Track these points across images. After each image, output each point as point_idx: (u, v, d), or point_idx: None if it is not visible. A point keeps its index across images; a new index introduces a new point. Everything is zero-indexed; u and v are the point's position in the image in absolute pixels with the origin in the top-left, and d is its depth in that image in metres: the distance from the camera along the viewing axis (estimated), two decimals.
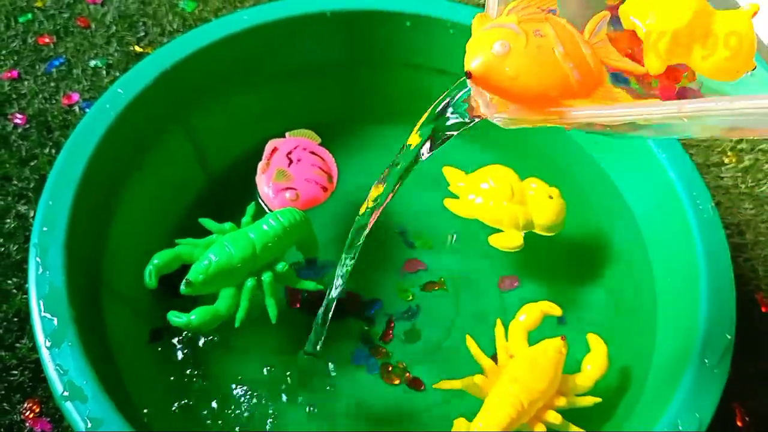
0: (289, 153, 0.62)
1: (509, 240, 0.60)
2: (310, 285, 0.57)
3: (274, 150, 0.63)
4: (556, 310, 0.58)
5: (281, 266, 0.56)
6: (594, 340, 0.56)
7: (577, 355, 0.56)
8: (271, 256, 0.56)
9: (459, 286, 0.66)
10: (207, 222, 0.58)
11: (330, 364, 0.60)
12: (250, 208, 0.60)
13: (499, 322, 0.58)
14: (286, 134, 0.65)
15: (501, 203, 0.60)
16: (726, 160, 0.85)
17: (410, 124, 0.74)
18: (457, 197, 0.63)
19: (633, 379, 0.57)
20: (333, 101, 0.75)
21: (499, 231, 0.61)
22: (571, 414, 0.54)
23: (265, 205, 0.60)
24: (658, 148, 0.61)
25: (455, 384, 0.54)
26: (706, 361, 0.50)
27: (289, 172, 0.61)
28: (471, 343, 0.56)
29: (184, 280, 0.53)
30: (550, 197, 0.61)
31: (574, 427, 0.53)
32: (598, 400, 0.54)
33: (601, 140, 0.66)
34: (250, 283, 0.55)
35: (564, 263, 0.66)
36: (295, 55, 0.70)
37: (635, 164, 0.63)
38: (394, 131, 0.76)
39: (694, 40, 0.33)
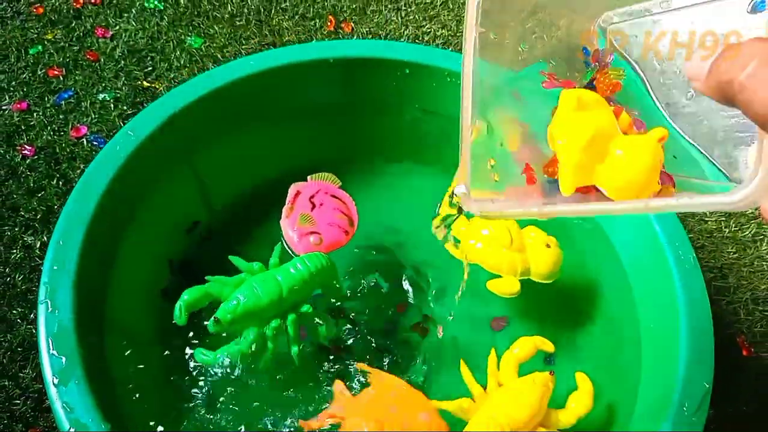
0: (312, 197, 0.64)
1: (507, 286, 0.63)
2: (331, 330, 0.60)
3: (297, 194, 0.65)
4: (549, 346, 0.61)
5: (306, 308, 0.58)
6: (581, 379, 0.59)
7: (565, 390, 0.58)
8: (297, 298, 0.58)
9: (452, 324, 0.68)
10: (236, 260, 0.60)
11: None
12: (277, 249, 0.62)
13: (492, 351, 0.60)
14: (308, 178, 0.67)
15: (500, 250, 0.62)
16: None
17: (407, 164, 0.79)
18: (458, 241, 0.65)
19: (615, 424, 0.59)
20: (334, 143, 0.77)
21: (496, 276, 0.63)
22: None
23: (290, 248, 0.62)
24: None
25: (444, 405, 0.57)
26: (685, 408, 0.53)
27: (313, 217, 0.63)
28: (464, 370, 0.59)
29: (212, 319, 0.54)
30: (548, 246, 0.63)
31: None
32: None
33: None
34: (274, 324, 0.57)
35: (554, 306, 0.68)
36: (299, 98, 0.73)
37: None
38: (392, 171, 0.79)
39: (594, 162, 0.34)
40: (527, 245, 0.64)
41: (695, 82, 0.29)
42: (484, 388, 0.58)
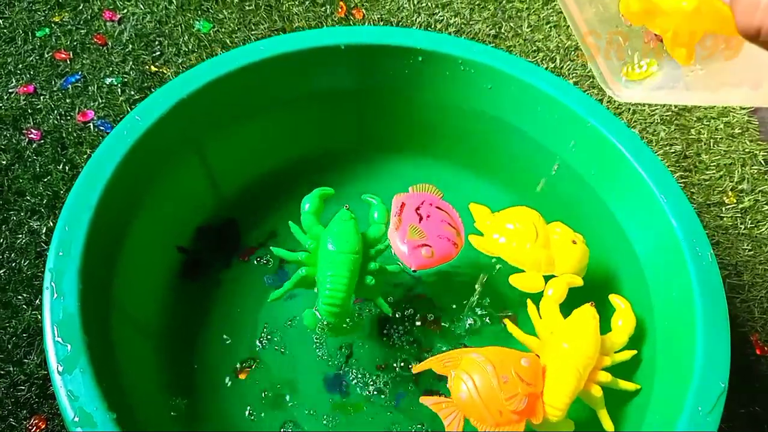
0: (418, 209, 0.62)
1: (530, 282, 0.61)
2: (278, 292, 0.59)
3: (402, 205, 0.63)
4: (578, 281, 0.61)
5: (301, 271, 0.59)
6: (617, 300, 0.61)
7: None
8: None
9: (459, 318, 0.67)
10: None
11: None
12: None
13: (529, 302, 0.60)
14: (410, 189, 0.65)
15: (524, 245, 0.61)
16: (726, 200, 0.87)
17: (418, 155, 0.77)
18: (481, 234, 0.64)
19: (630, 421, 0.58)
20: (344, 131, 0.76)
21: (519, 271, 0.62)
22: None
23: (401, 261, 0.60)
24: (661, 194, 0.62)
25: None
26: (700, 408, 0.51)
27: (422, 229, 0.60)
28: (512, 328, 0.59)
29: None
30: (574, 242, 0.62)
31: (623, 383, 0.57)
32: (634, 352, 0.59)
33: (612, 186, 0.68)
34: (302, 271, 0.58)
35: (566, 303, 0.66)
36: (309, 85, 0.71)
37: (640, 209, 0.65)
38: (402, 161, 0.78)
39: (703, 17, 0.33)
40: (552, 241, 0.62)
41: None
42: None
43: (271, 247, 0.61)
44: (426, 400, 0.53)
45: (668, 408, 0.54)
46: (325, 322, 0.57)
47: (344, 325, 0.58)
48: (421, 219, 0.61)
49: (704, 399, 0.52)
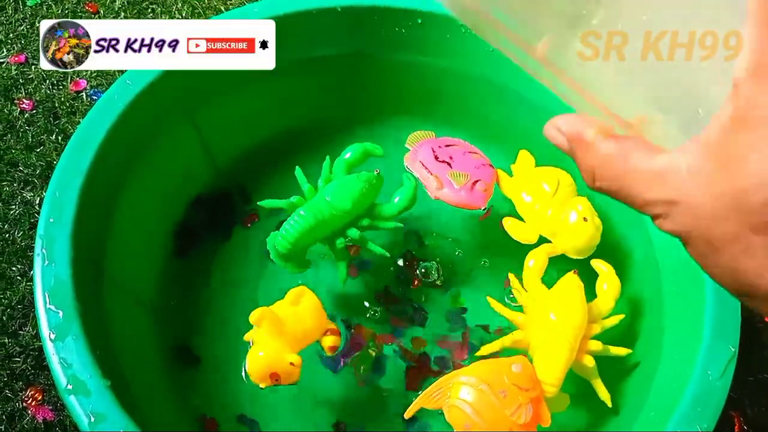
0: (437, 158, 0.61)
1: (523, 232, 0.60)
2: (268, 201, 0.59)
3: (422, 164, 0.61)
4: (557, 249, 0.59)
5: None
6: (599, 264, 0.59)
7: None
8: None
9: (462, 282, 0.66)
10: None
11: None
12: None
13: (511, 275, 0.59)
14: (408, 146, 0.64)
15: (534, 205, 0.60)
16: None
17: (417, 119, 0.75)
18: (511, 175, 0.64)
19: (637, 388, 0.57)
20: (342, 96, 0.74)
21: (519, 218, 0.61)
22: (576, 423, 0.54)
23: (467, 208, 0.59)
24: None
25: (497, 345, 0.55)
26: (709, 372, 0.50)
27: (459, 171, 0.60)
28: (495, 304, 0.57)
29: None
30: (585, 219, 0.59)
31: (614, 349, 0.55)
32: (622, 316, 0.57)
33: None
34: (293, 199, 0.59)
35: (575, 265, 0.65)
36: (305, 50, 0.69)
37: None
38: (400, 126, 0.76)
39: None
40: (564, 211, 0.60)
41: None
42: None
43: (296, 167, 0.61)
44: None
45: (677, 374, 0.53)
46: (275, 247, 0.57)
47: (293, 262, 0.58)
48: (449, 164, 0.60)
49: (714, 364, 0.51)
